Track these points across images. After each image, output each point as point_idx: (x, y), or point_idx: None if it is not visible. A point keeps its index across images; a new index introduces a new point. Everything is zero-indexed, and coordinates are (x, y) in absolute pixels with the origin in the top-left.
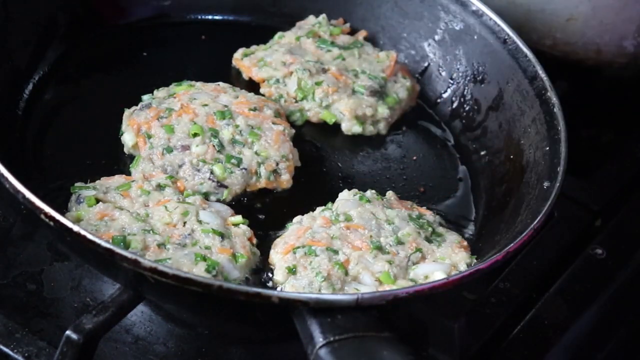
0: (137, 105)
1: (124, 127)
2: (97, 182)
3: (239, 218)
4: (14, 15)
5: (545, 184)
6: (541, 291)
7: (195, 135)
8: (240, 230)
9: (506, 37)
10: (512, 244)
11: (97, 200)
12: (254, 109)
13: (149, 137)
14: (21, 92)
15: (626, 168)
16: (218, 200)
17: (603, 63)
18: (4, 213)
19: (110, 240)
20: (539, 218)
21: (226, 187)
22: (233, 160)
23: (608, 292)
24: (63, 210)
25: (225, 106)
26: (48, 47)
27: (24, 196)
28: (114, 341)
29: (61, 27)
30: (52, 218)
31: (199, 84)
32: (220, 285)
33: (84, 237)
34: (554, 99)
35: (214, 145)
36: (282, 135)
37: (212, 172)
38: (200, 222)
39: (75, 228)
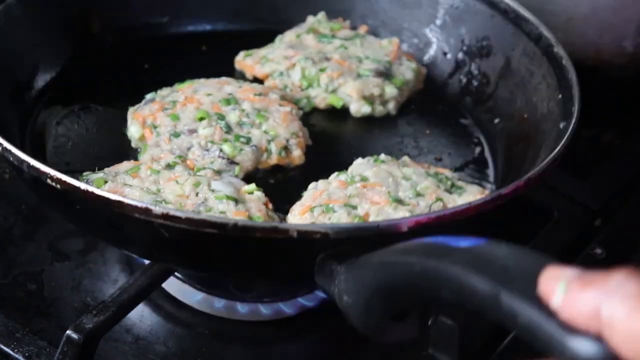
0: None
1: (129, 122)
2: (106, 169)
3: (252, 186)
4: (13, 29)
5: (562, 124)
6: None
7: (201, 119)
8: (255, 196)
9: (506, 7)
10: (533, 171)
11: (106, 182)
12: (259, 95)
13: (155, 127)
14: (23, 105)
15: (626, 168)
16: None
17: (602, 63)
18: (4, 213)
19: None
20: (558, 148)
21: (237, 164)
22: (242, 139)
23: None
24: None
25: (230, 94)
26: (47, 63)
27: (28, 164)
28: (114, 341)
29: (59, 43)
30: (58, 180)
31: (201, 80)
32: (235, 223)
33: (92, 192)
34: (561, 52)
35: (220, 128)
36: (290, 115)
37: (221, 151)
38: (212, 191)
39: (83, 186)
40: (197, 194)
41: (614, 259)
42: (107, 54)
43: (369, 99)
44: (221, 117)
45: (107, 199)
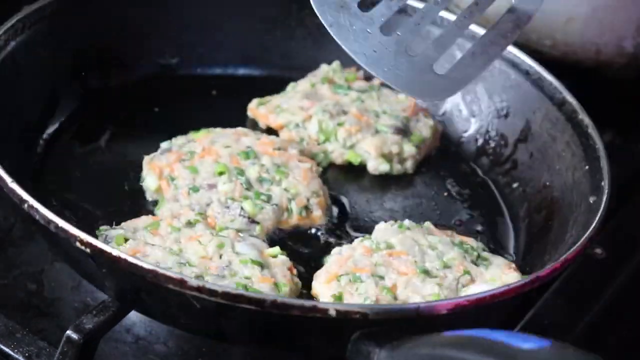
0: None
1: (144, 172)
2: (123, 224)
3: (276, 249)
4: (24, 71)
5: (592, 199)
6: (541, 291)
7: (221, 173)
8: (279, 260)
9: (528, 69)
10: (569, 252)
11: (126, 240)
12: (278, 149)
13: (172, 179)
14: (34, 147)
15: (626, 168)
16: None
17: (602, 63)
18: (4, 213)
19: None
20: (592, 226)
21: (257, 223)
22: (263, 197)
23: (608, 292)
24: None
25: (249, 147)
26: (57, 105)
27: (56, 225)
28: (114, 341)
29: (70, 85)
30: (88, 244)
31: (218, 129)
32: (274, 299)
33: (125, 260)
34: (587, 120)
35: (241, 183)
36: (310, 172)
37: (242, 209)
38: (237, 253)
39: (115, 252)
40: (220, 256)
41: (614, 259)
42: (116, 97)
43: (387, 157)
44: (240, 172)
45: (141, 268)
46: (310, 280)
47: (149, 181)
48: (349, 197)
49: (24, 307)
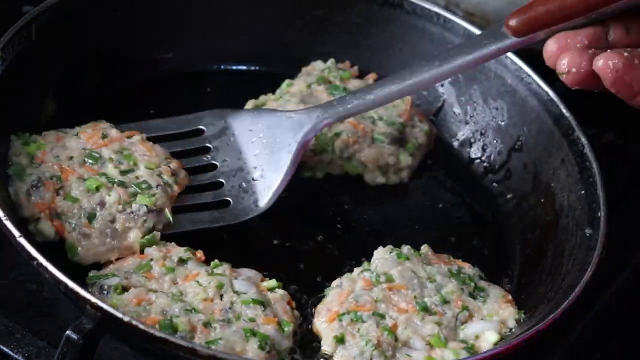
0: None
1: (29, 213)
2: (111, 267)
3: (273, 282)
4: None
5: (587, 232)
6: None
7: (97, 188)
8: (278, 295)
9: (524, 76)
10: (567, 301)
11: (123, 288)
12: (103, 137)
13: (61, 216)
14: None
15: (626, 168)
16: (168, 224)
17: None
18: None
19: (158, 325)
20: (588, 271)
21: (162, 209)
22: (144, 185)
23: (608, 292)
24: None
25: (84, 149)
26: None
27: (66, 286)
28: (115, 341)
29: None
30: (99, 309)
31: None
32: None
33: (136, 327)
34: (583, 139)
35: (117, 185)
36: (143, 141)
37: (146, 206)
38: (237, 292)
39: (126, 318)
40: (221, 297)
41: (614, 259)
42: (109, 96)
43: (383, 168)
44: (104, 175)
45: (151, 335)
46: (308, 306)
47: (46, 228)
48: (347, 212)
49: (24, 307)
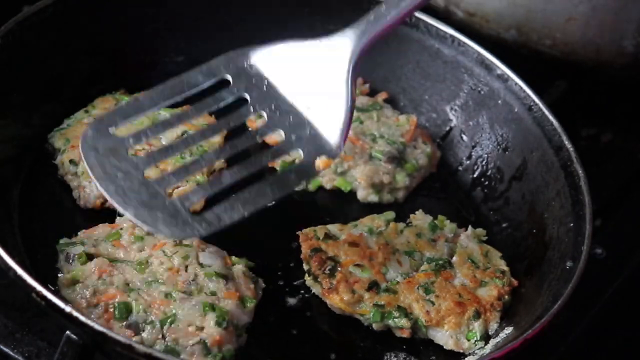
0: None
1: None
2: (81, 234)
3: (238, 259)
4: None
5: (568, 264)
6: None
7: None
8: (240, 269)
9: (532, 104)
10: (530, 331)
11: (88, 255)
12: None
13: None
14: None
15: (626, 168)
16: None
17: (603, 63)
18: None
19: (114, 309)
20: (559, 303)
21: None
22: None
23: (608, 292)
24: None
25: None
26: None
27: (15, 273)
28: None
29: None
30: (43, 297)
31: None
32: None
33: (76, 318)
34: (580, 172)
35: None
36: None
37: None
38: (201, 265)
39: (68, 309)
40: (186, 268)
41: (614, 259)
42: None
43: (377, 187)
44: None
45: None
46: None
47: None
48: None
49: (24, 307)
